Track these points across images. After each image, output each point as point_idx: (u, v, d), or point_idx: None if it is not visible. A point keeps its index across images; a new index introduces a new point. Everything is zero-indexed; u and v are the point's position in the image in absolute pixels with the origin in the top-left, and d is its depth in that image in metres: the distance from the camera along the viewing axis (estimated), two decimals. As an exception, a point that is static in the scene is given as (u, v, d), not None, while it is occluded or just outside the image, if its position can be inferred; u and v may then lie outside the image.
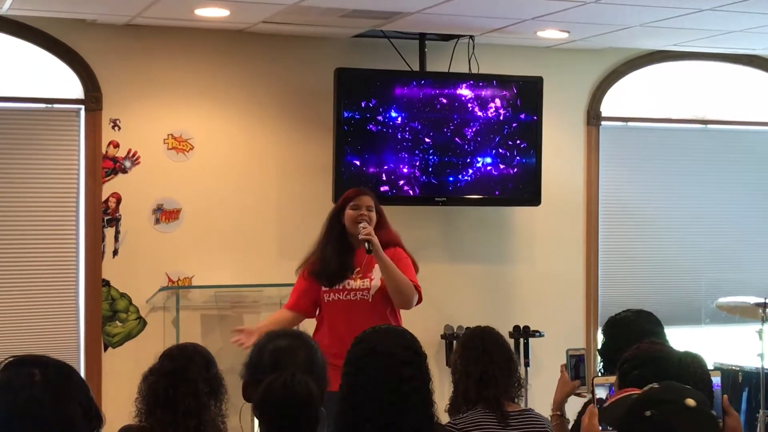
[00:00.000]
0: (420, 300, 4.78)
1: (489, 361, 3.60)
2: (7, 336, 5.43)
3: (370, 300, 4.69)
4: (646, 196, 6.71)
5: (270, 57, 5.92)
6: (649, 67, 6.69)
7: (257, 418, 2.54)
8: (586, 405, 3.54)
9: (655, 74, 6.72)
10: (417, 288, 4.71)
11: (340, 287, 4.71)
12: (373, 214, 4.75)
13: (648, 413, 1.99)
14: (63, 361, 2.74)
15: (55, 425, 2.52)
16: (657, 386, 2.11)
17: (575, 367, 4.04)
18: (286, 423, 2.44)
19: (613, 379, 3.05)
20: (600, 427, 2.92)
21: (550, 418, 3.85)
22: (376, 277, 4.69)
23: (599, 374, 3.84)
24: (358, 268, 4.73)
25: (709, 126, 6.86)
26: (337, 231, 4.78)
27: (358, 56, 5.97)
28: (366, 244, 4.60)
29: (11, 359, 2.67)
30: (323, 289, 4.77)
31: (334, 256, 4.75)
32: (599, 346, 3.96)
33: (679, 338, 4.65)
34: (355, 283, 4.72)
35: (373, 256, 4.63)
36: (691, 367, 2.58)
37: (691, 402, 2.00)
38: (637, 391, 2.32)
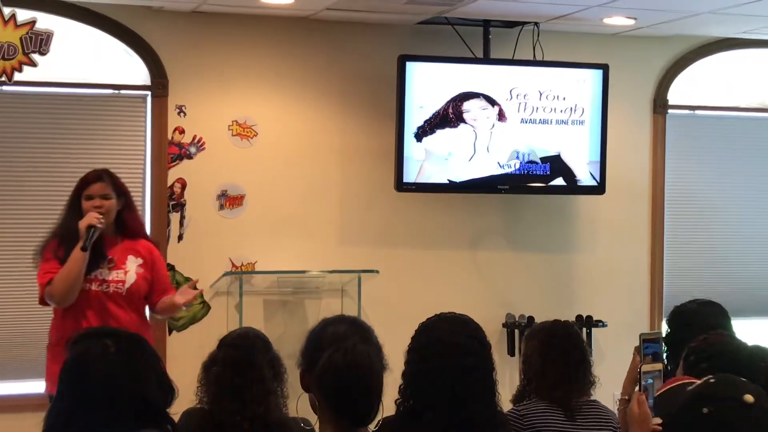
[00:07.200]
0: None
1: (565, 363, 3.57)
2: (75, 318, 5.51)
3: (124, 294, 4.47)
4: (713, 185, 6.60)
5: (334, 44, 5.92)
6: (717, 54, 6.57)
7: (317, 397, 2.47)
8: None
9: (723, 62, 6.60)
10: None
11: (93, 276, 4.41)
12: (111, 202, 4.43)
13: (705, 410, 1.96)
14: (133, 332, 2.73)
15: (132, 395, 2.49)
16: (713, 380, 2.08)
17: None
18: (348, 393, 2.37)
19: (660, 366, 3.02)
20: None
21: (618, 402, 3.81)
22: (131, 269, 4.49)
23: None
24: (111, 257, 4.46)
25: (778, 114, 6.74)
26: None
27: (422, 43, 5.94)
28: (84, 241, 4.27)
29: (82, 332, 2.66)
30: None
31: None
32: (663, 336, 3.91)
33: (747, 330, 4.58)
34: (108, 273, 4.44)
35: (127, 245, 4.47)
36: (762, 361, 2.53)
37: (749, 398, 1.97)
38: (689, 380, 2.29)
